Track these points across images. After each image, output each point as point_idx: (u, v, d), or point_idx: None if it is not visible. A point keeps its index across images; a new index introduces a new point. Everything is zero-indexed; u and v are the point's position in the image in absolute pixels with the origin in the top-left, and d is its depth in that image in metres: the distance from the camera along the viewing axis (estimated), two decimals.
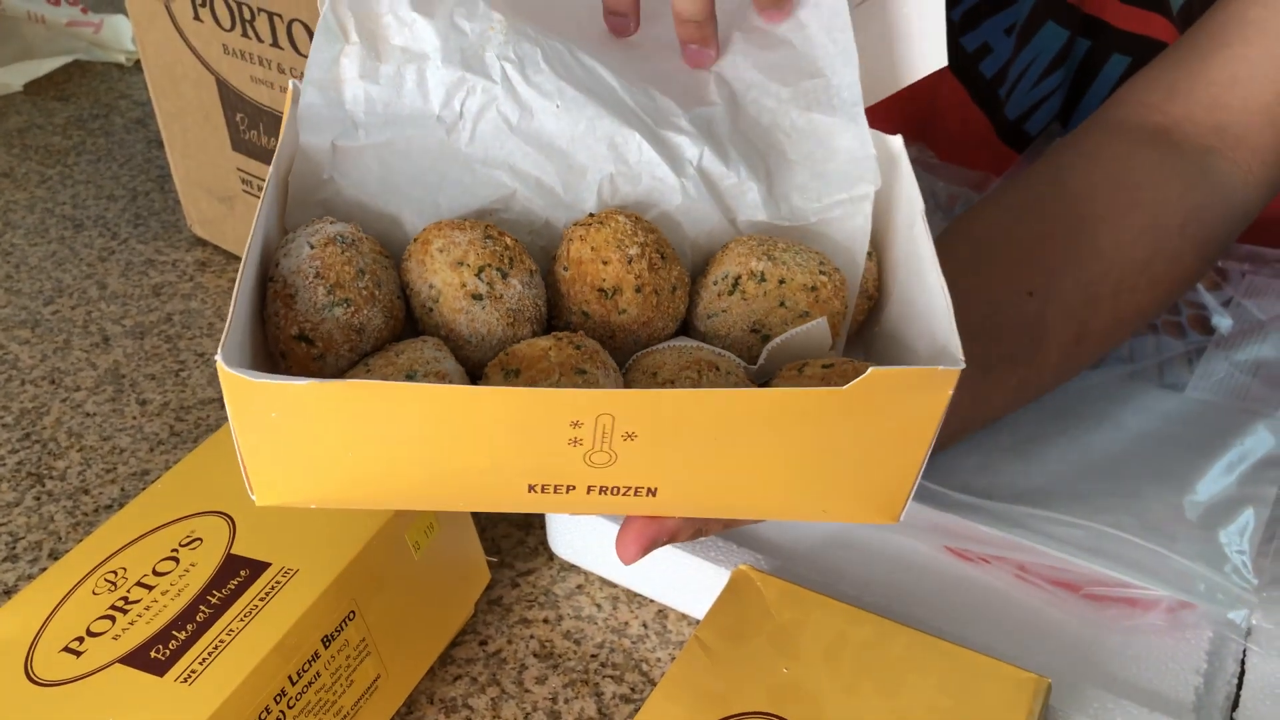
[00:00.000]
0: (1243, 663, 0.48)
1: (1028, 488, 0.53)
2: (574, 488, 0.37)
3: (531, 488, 0.37)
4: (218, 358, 0.34)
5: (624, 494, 0.37)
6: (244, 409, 0.34)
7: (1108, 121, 0.56)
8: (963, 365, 0.34)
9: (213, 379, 0.69)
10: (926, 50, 0.46)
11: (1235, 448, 0.54)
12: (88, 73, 1.04)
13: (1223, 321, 0.61)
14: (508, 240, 0.40)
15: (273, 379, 0.33)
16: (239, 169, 0.75)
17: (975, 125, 0.75)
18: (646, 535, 0.41)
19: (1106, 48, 0.67)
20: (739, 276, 0.41)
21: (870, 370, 0.32)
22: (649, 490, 0.37)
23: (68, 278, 0.78)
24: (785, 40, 0.46)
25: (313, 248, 0.38)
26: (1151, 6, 0.64)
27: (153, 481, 0.57)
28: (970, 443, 0.55)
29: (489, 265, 0.39)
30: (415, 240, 0.41)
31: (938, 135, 0.77)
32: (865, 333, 0.45)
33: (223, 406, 0.67)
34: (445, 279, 0.39)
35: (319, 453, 0.36)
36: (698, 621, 0.53)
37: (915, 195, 0.41)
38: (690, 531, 0.43)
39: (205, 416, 0.66)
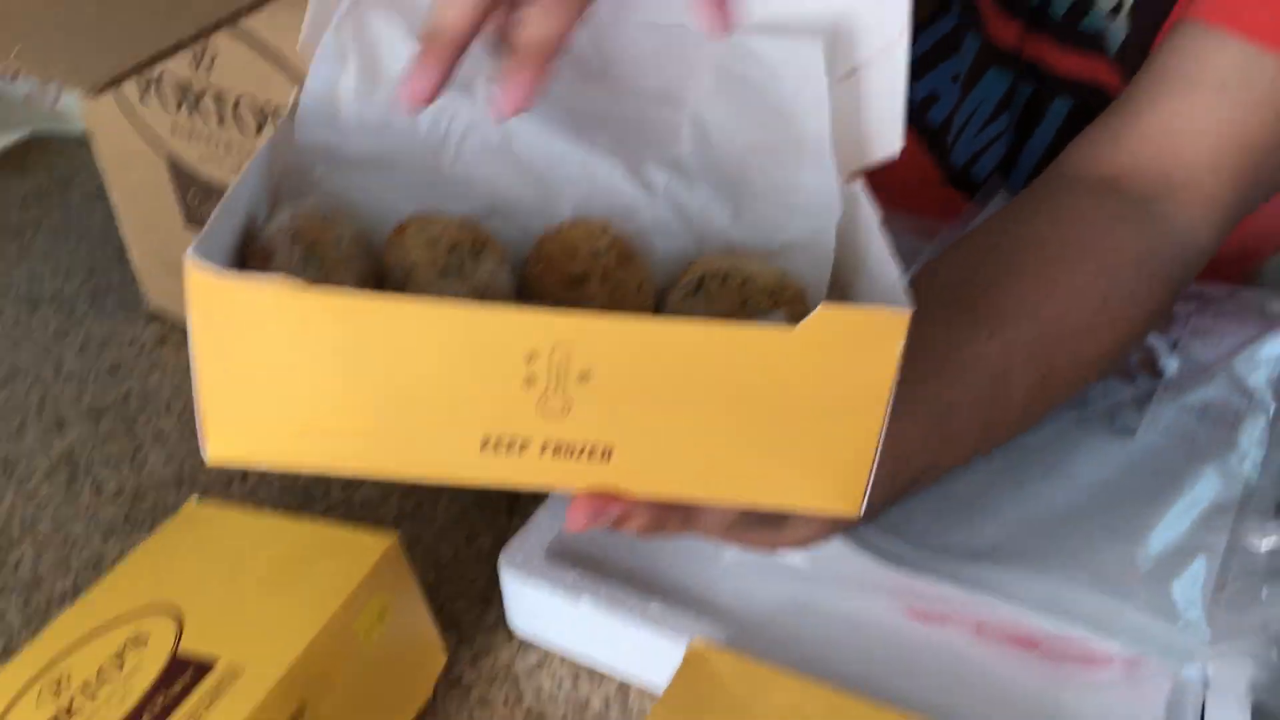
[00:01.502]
0: (1203, 715, 0.48)
1: (981, 544, 0.53)
2: (527, 446, 0.37)
3: (485, 443, 0.37)
4: (188, 253, 0.34)
5: (578, 456, 0.37)
6: (208, 321, 0.35)
7: (1057, 176, 0.57)
8: (911, 308, 0.34)
9: (170, 459, 0.68)
10: (883, 137, 0.47)
11: (1186, 495, 0.54)
12: (45, 146, 1.04)
13: (1170, 363, 0.61)
14: (480, 229, 0.42)
15: (241, 276, 0.33)
16: None
17: (924, 171, 0.75)
18: (596, 505, 0.39)
19: (1049, 92, 0.68)
20: (703, 276, 0.42)
21: (819, 309, 0.34)
22: (604, 452, 0.37)
23: (23, 359, 0.77)
24: (761, 87, 0.48)
25: (293, 216, 0.40)
26: (1091, 49, 0.65)
27: (106, 570, 0.56)
28: (924, 496, 0.55)
29: (460, 245, 0.41)
30: (393, 230, 0.42)
31: (887, 180, 0.77)
32: None
33: (179, 487, 0.66)
34: (418, 256, 0.40)
35: (277, 383, 0.36)
36: (658, 695, 0.53)
37: (873, 214, 0.42)
38: (646, 518, 0.40)
39: (162, 499, 0.65)
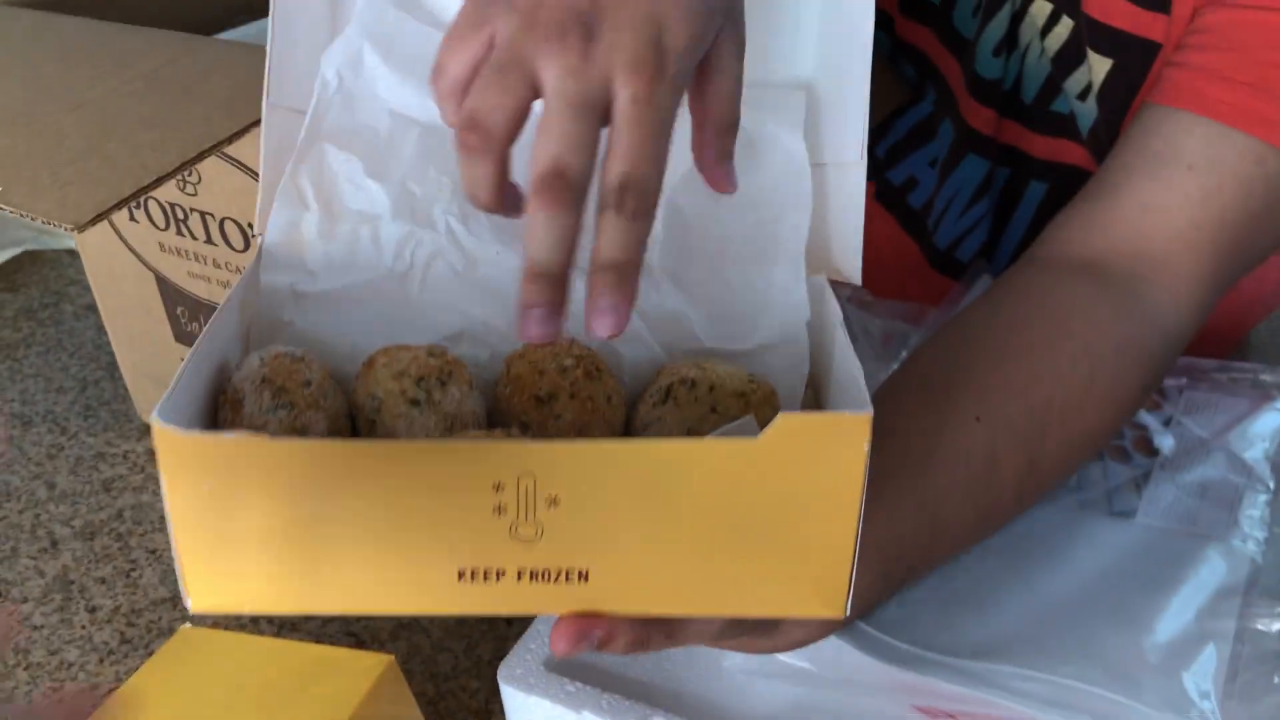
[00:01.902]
0: None
1: (986, 640, 0.52)
2: (504, 574, 0.37)
3: (461, 574, 0.37)
4: (153, 415, 0.35)
5: (555, 580, 0.37)
6: (179, 479, 0.36)
7: (1035, 259, 0.58)
8: (870, 410, 0.34)
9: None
10: (842, 260, 0.49)
11: (1191, 579, 0.54)
12: (38, 261, 1.05)
13: (1165, 442, 0.61)
14: (449, 357, 0.43)
15: (205, 434, 0.34)
16: (183, 359, 0.75)
17: (907, 255, 0.76)
18: (578, 628, 0.38)
19: (1026, 175, 0.69)
20: (671, 385, 0.43)
21: (779, 418, 0.34)
22: (580, 574, 0.37)
23: (16, 480, 0.77)
24: (744, 171, 0.47)
25: (263, 361, 0.41)
26: (1063, 134, 0.66)
27: (102, 696, 0.55)
28: (927, 592, 0.54)
29: (427, 376, 0.41)
30: (363, 364, 0.43)
31: (871, 266, 0.78)
32: None
33: (175, 606, 0.65)
34: (387, 388, 0.41)
35: (251, 533, 0.36)
36: None
37: (837, 311, 0.43)
38: (630, 637, 0.40)
39: (157, 619, 0.65)
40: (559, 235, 0.37)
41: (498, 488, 0.35)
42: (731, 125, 0.43)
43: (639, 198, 0.38)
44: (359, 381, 0.42)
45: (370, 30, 0.50)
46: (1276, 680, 0.48)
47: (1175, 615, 0.52)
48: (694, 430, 0.42)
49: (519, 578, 0.37)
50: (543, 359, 0.42)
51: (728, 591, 0.38)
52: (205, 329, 0.41)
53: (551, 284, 0.37)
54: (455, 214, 0.47)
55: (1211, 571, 0.54)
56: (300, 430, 0.40)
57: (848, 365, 0.40)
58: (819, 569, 0.37)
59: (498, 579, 0.37)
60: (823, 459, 0.35)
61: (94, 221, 0.45)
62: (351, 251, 0.47)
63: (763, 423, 0.41)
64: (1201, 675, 0.50)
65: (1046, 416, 0.52)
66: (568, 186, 0.37)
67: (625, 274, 0.38)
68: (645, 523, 0.36)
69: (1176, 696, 0.48)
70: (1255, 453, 0.60)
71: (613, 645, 0.39)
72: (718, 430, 0.40)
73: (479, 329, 0.46)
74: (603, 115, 0.39)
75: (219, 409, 0.41)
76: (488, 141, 0.38)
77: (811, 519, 0.36)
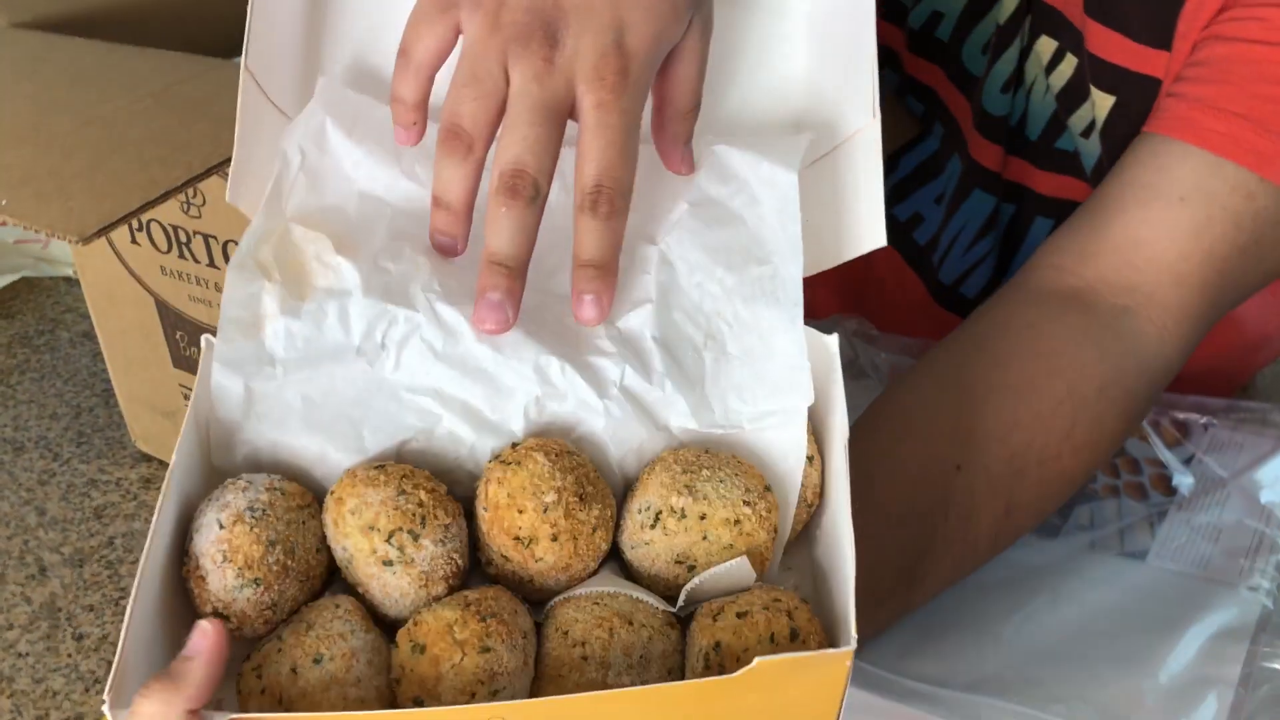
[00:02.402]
0: None
1: (984, 673, 0.51)
2: None
3: None
4: (104, 707, 0.34)
5: None
6: None
7: (1023, 288, 0.57)
8: (854, 646, 0.34)
9: None
10: (866, 230, 0.46)
11: (1197, 623, 0.53)
12: (34, 288, 1.04)
13: (1184, 481, 0.60)
14: (422, 494, 0.39)
15: None
16: (181, 385, 0.74)
17: (912, 291, 0.76)
18: None
19: (1031, 212, 0.69)
20: (660, 511, 0.40)
21: (756, 663, 0.33)
22: None
23: (5, 506, 0.76)
24: (738, 216, 0.45)
25: (221, 526, 0.39)
26: (1068, 171, 0.66)
27: None
28: (923, 621, 0.53)
29: (400, 529, 0.39)
30: (331, 494, 0.40)
31: (876, 302, 0.78)
32: (809, 533, 0.44)
33: None
34: (357, 544, 0.39)
35: None
36: None
37: (844, 414, 0.41)
38: None
39: None
40: (518, 229, 0.40)
41: None
42: (692, 110, 0.45)
43: (611, 199, 0.41)
44: (328, 518, 0.40)
45: (331, 107, 0.47)
46: None
47: (1178, 658, 0.52)
48: (684, 555, 0.40)
49: None
50: (522, 488, 0.39)
51: None
52: (161, 502, 0.39)
53: (509, 274, 0.41)
54: (436, 290, 0.43)
55: (1220, 616, 0.53)
56: (271, 604, 0.39)
57: (844, 552, 0.38)
58: None
59: None
60: (802, 682, 0.35)
61: (99, 234, 0.45)
62: (317, 328, 0.43)
63: (758, 550, 0.40)
64: None
65: (1025, 463, 0.51)
66: (528, 185, 0.40)
67: (604, 270, 0.42)
68: None
69: None
70: (1275, 495, 0.59)
71: None
72: (705, 574, 0.39)
73: (458, 413, 0.42)
74: (565, 116, 0.41)
75: (185, 577, 0.39)
76: (469, 146, 0.41)
77: (792, 715, 0.36)
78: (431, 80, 0.44)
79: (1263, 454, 0.61)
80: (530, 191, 0.40)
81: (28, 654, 0.63)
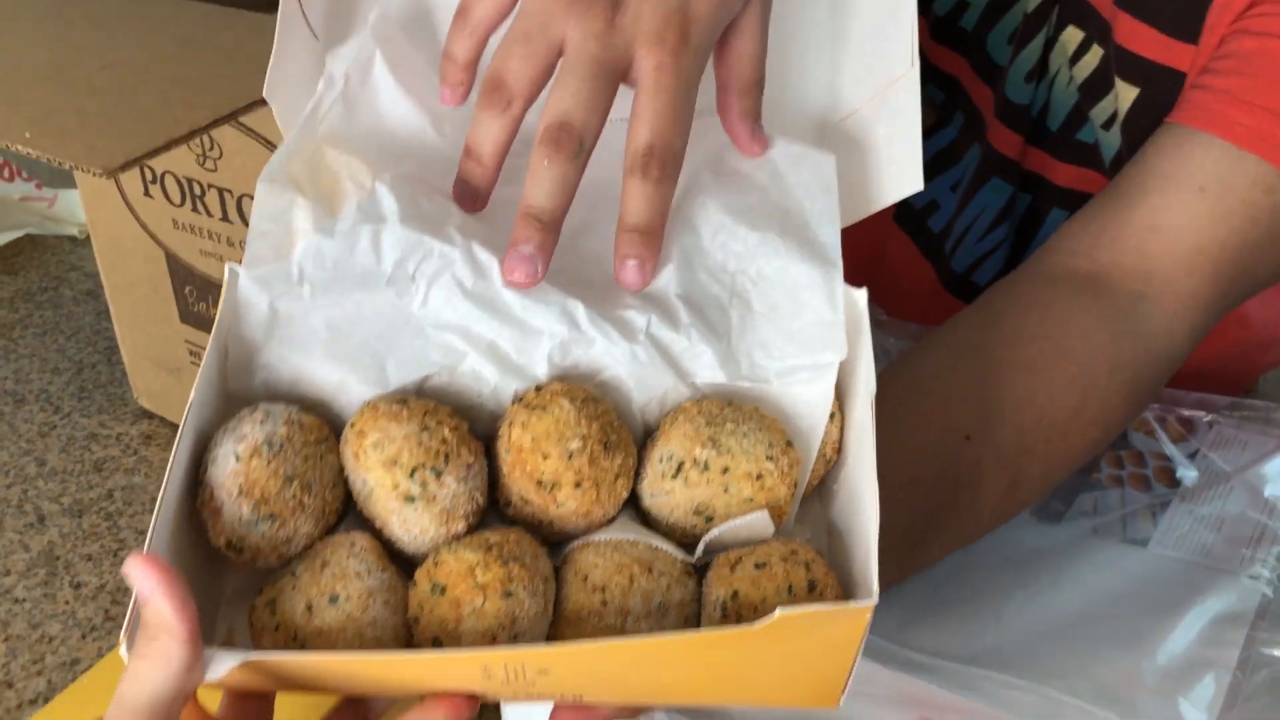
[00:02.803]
0: None
1: (983, 648, 0.51)
2: (500, 694, 0.37)
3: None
4: (121, 648, 0.34)
5: (549, 699, 0.38)
6: None
7: (1039, 269, 0.57)
8: (875, 601, 0.34)
9: None
10: (902, 175, 0.46)
11: (1197, 608, 0.53)
12: (39, 246, 1.04)
13: (1188, 474, 0.61)
14: (445, 431, 0.39)
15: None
16: (187, 340, 0.74)
17: (923, 278, 0.76)
18: (578, 716, 0.39)
19: (1046, 203, 0.69)
20: (682, 462, 0.40)
21: (778, 614, 0.32)
22: (574, 697, 0.37)
23: (4, 455, 0.75)
24: (761, 187, 0.45)
25: (238, 459, 0.38)
26: (1086, 163, 0.66)
27: (82, 671, 0.54)
28: (925, 596, 0.54)
29: (423, 465, 0.38)
30: (351, 426, 0.40)
31: (886, 288, 0.78)
32: (824, 488, 0.44)
33: None
34: (378, 477, 0.38)
35: (252, 683, 0.37)
36: None
37: (871, 367, 0.41)
38: (628, 714, 0.41)
39: None
40: (558, 183, 0.40)
41: (486, 667, 0.35)
42: (755, 84, 0.44)
43: (663, 164, 0.40)
44: (348, 450, 0.39)
45: (383, 43, 0.47)
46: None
47: (1177, 640, 0.52)
48: (704, 506, 0.40)
49: (514, 697, 0.38)
50: (547, 433, 0.39)
51: (724, 701, 0.41)
52: (186, 417, 0.39)
53: (543, 228, 0.40)
54: (471, 230, 0.43)
55: (1220, 601, 0.53)
56: (285, 540, 0.39)
57: (867, 508, 0.38)
58: (815, 687, 0.37)
59: (493, 698, 0.38)
60: (819, 634, 0.35)
61: (124, 168, 0.45)
62: (349, 251, 0.42)
63: (778, 505, 0.40)
64: (1198, 701, 0.49)
65: (1034, 438, 0.52)
66: (573, 139, 0.40)
67: (651, 234, 0.41)
68: (640, 678, 0.36)
69: None
70: (1278, 489, 0.59)
71: None
72: (725, 526, 0.39)
73: (483, 353, 0.42)
74: (620, 79, 0.41)
75: (199, 509, 0.39)
76: (509, 101, 0.41)
77: (808, 667, 0.36)
78: (485, 42, 0.44)
79: (1267, 451, 0.61)
80: (575, 146, 0.40)
81: (24, 600, 0.63)
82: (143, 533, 0.68)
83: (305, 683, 0.37)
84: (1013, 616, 0.53)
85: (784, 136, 0.46)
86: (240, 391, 0.42)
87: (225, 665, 0.34)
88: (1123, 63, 0.60)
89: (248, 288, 0.42)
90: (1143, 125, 0.61)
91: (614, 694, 0.37)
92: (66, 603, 0.63)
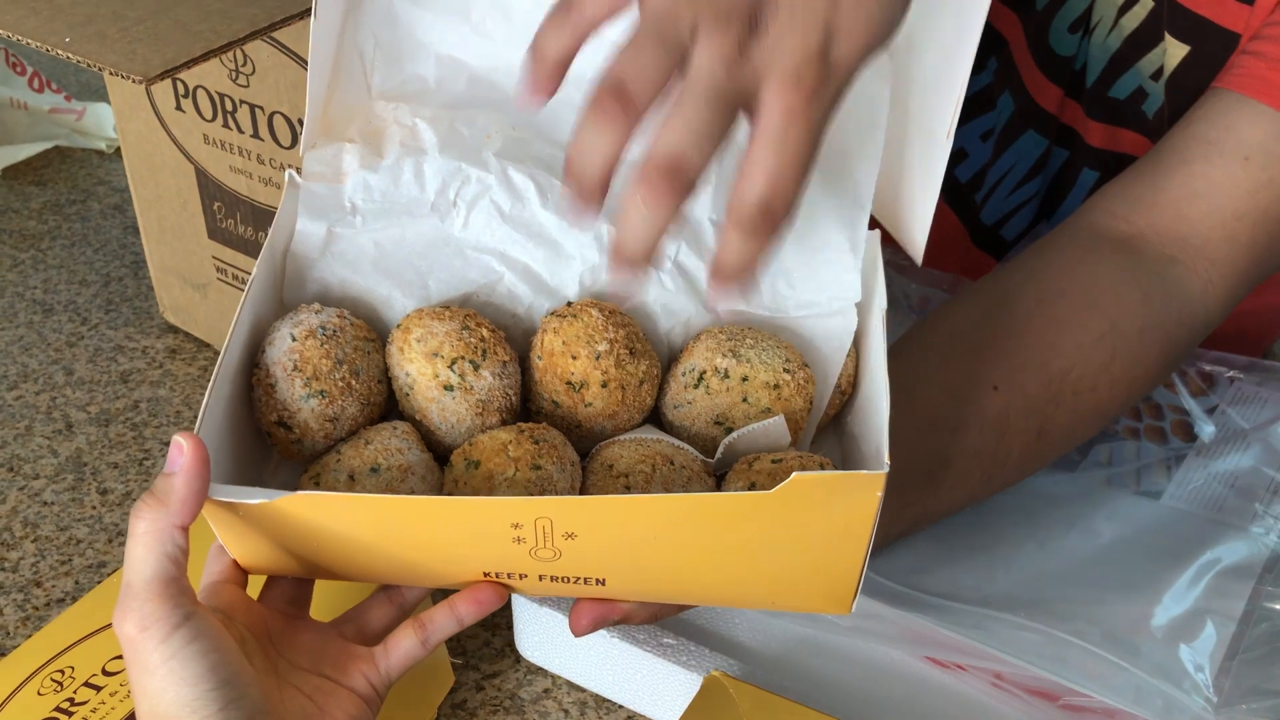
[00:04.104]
0: None
1: (993, 591, 0.52)
2: (526, 576, 0.39)
3: (487, 574, 0.39)
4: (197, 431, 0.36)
5: (574, 582, 0.39)
6: (226, 522, 0.37)
7: (1076, 229, 0.58)
8: (886, 469, 0.34)
9: None
10: (911, 238, 0.46)
11: (1205, 558, 0.54)
12: (67, 159, 1.04)
13: (1206, 429, 0.61)
14: (484, 331, 0.42)
15: (229, 498, 0.36)
16: (214, 257, 0.75)
17: (949, 229, 0.76)
18: (597, 612, 0.41)
19: (1080, 160, 0.69)
20: (704, 372, 0.42)
21: (794, 476, 0.33)
22: (598, 580, 0.38)
23: (34, 363, 0.76)
24: None
25: (294, 339, 0.40)
26: (1119, 122, 0.66)
27: (109, 574, 0.55)
28: (938, 542, 0.54)
29: (462, 357, 0.41)
30: (398, 326, 0.42)
31: None
32: (839, 422, 0.46)
33: None
34: (420, 368, 0.41)
35: (287, 545, 0.38)
36: None
37: (883, 294, 0.42)
38: (645, 615, 0.42)
39: None
40: (654, 227, 0.35)
41: (516, 526, 0.35)
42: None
43: (775, 222, 0.35)
44: (393, 347, 0.42)
45: None
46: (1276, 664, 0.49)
47: (1184, 590, 0.53)
48: (723, 416, 0.42)
49: (540, 579, 0.38)
50: (577, 336, 0.41)
51: (740, 594, 0.40)
52: (244, 299, 0.41)
53: (633, 268, 0.36)
54: (508, 156, 0.46)
55: (1228, 553, 0.54)
56: (332, 418, 0.41)
57: (879, 394, 0.39)
58: (828, 583, 0.38)
59: (520, 579, 0.39)
60: (835, 505, 0.35)
61: (163, 76, 0.45)
62: (394, 183, 0.45)
63: (795, 415, 0.41)
64: (1200, 650, 0.50)
65: (1061, 389, 0.52)
66: (683, 182, 0.35)
67: (745, 283, 0.36)
68: (661, 551, 0.37)
69: (1172, 666, 0.49)
70: None
71: (630, 621, 0.41)
72: (744, 429, 0.41)
73: (519, 274, 0.45)
74: (739, 110, 0.36)
75: (253, 386, 0.41)
76: (631, 113, 0.35)
77: (821, 546, 0.36)
78: (584, 40, 0.38)
79: None
80: (682, 189, 0.35)
81: (53, 503, 0.64)
82: (167, 444, 0.69)
83: (332, 556, 0.38)
84: (1024, 562, 0.54)
85: None
86: (294, 302, 0.45)
87: (259, 498, 0.35)
88: (1175, 17, 0.60)
89: (305, 219, 0.45)
90: (1189, 84, 0.60)
91: (634, 579, 0.38)
92: (94, 508, 0.64)
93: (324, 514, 0.36)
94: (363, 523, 0.36)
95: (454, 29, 0.47)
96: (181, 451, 0.35)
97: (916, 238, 0.44)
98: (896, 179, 0.45)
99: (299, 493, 0.35)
